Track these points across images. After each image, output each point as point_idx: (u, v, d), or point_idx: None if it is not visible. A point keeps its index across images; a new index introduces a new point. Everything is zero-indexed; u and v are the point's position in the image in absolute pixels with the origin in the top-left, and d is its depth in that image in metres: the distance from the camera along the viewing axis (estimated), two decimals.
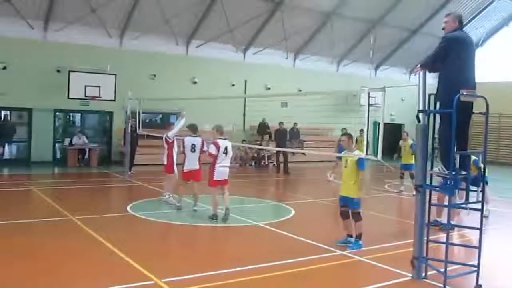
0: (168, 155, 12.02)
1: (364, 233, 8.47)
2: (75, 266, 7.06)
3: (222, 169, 10.11)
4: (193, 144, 11.09)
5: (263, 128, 24.13)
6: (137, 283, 6.30)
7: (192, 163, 11.13)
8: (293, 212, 11.76)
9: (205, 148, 10.97)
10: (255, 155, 23.67)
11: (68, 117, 23.44)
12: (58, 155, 21.57)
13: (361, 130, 16.97)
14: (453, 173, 6.36)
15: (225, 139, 10.28)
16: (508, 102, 27.77)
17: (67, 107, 21.15)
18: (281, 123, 21.98)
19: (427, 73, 6.83)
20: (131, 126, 17.85)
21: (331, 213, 11.89)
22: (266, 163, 23.52)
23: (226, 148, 10.06)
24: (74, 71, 20.01)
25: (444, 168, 6.62)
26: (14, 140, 22.27)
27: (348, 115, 18.85)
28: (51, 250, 7.89)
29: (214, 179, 10.09)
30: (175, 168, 12.06)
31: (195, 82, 23.70)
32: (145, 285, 6.27)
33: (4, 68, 19.48)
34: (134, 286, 6.22)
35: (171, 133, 12.09)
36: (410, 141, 14.93)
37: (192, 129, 11.41)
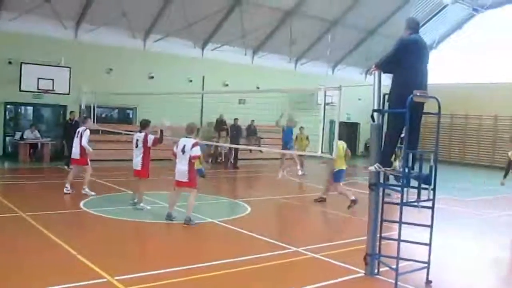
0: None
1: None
2: (25, 265, 6.86)
3: (178, 168, 9.79)
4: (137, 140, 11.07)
5: (220, 124, 24.08)
6: (89, 281, 6.18)
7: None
8: (249, 209, 11.77)
9: (149, 143, 10.92)
10: (212, 152, 23.57)
11: (19, 110, 22.71)
12: (8, 150, 20.91)
13: (301, 128, 17.17)
14: (405, 171, 6.52)
15: (189, 137, 9.89)
16: (460, 103, 28.61)
17: (19, 100, 20.53)
18: (235, 119, 22.04)
19: (382, 73, 6.96)
20: (69, 119, 17.67)
21: (286, 210, 11.98)
22: (223, 159, 23.46)
23: (184, 147, 9.73)
24: (26, 62, 19.44)
25: (380, 166, 6.79)
26: None
27: (306, 113, 19.11)
28: (6, 247, 7.66)
29: (175, 178, 9.94)
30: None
31: (152, 77, 23.39)
32: (98, 283, 6.16)
33: None
34: (86, 284, 6.10)
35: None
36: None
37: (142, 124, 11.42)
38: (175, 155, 9.97)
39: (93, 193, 12.36)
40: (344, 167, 12.60)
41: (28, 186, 14.57)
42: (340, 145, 12.22)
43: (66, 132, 17.20)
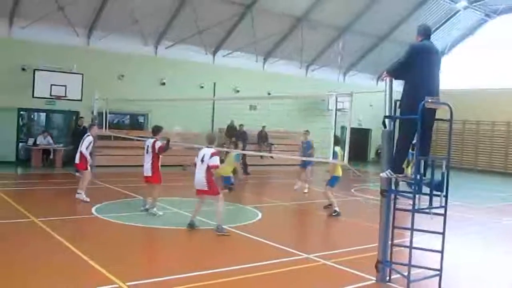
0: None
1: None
2: (37, 270, 6.90)
3: (196, 177, 9.64)
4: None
5: (231, 130, 24.12)
6: (101, 286, 6.20)
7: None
8: (260, 215, 11.76)
9: (156, 150, 10.91)
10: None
11: (32, 116, 22.94)
12: (21, 155, 21.09)
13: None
14: (417, 178, 6.49)
15: (209, 147, 9.75)
16: (472, 109, 28.45)
17: (32, 106, 20.74)
18: (241, 125, 22.08)
19: (394, 80, 6.95)
20: (78, 125, 17.79)
21: (297, 217, 11.96)
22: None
23: (203, 156, 9.60)
24: (39, 69, 19.65)
25: (391, 173, 6.76)
26: None
27: (317, 120, 19.07)
28: (12, 253, 7.69)
29: (195, 187, 9.83)
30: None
31: (164, 83, 23.53)
32: None
33: None
34: None
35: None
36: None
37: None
38: (195, 164, 9.83)
39: (87, 199, 12.20)
40: (340, 174, 12.50)
41: (41, 192, 14.68)
42: (339, 151, 12.10)
43: (75, 138, 17.31)
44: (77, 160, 12.70)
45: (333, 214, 12.09)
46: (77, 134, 17.18)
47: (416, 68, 6.69)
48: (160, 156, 11.15)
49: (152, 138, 11.27)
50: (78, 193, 12.37)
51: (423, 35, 7.01)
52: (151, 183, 11.20)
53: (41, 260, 7.38)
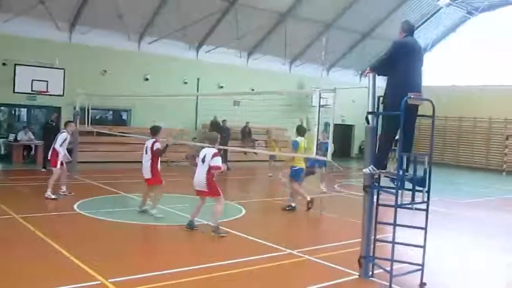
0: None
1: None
2: (19, 267, 6.83)
3: (196, 177, 9.42)
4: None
5: (214, 126, 24.03)
6: (83, 283, 6.16)
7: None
8: (243, 211, 11.76)
9: (155, 147, 10.58)
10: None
11: (13, 111, 22.63)
12: (2, 151, 20.82)
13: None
14: (400, 173, 6.53)
15: (211, 147, 9.56)
16: (454, 106, 28.72)
17: (13, 101, 20.47)
18: (224, 121, 22.12)
19: (377, 76, 6.98)
20: (50, 120, 17.68)
21: (280, 212, 11.96)
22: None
23: (204, 156, 9.39)
24: (20, 64, 19.39)
25: (374, 168, 6.81)
26: None
27: (300, 115, 19.13)
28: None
29: (195, 188, 9.62)
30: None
31: (147, 79, 23.39)
32: (92, 285, 6.13)
33: None
34: (80, 287, 6.07)
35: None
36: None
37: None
38: (196, 165, 9.59)
39: (54, 196, 12.02)
40: (303, 166, 12.14)
41: (22, 188, 14.50)
42: (301, 142, 12.02)
43: (46, 134, 17.11)
44: (49, 156, 12.52)
45: (287, 208, 11.95)
46: (49, 130, 16.95)
47: (399, 64, 6.74)
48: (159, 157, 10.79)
49: (151, 138, 10.84)
50: (46, 192, 12.10)
51: (407, 31, 7.06)
52: (152, 185, 10.81)
53: (23, 257, 7.29)
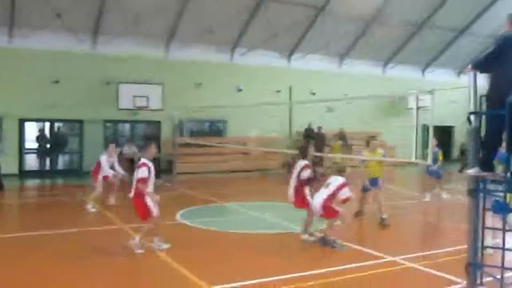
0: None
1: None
2: (128, 277, 7.20)
3: (314, 199, 9.05)
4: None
5: (309, 133, 24.04)
6: None
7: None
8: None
9: (300, 176, 9.34)
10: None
11: (117, 127, 23.98)
12: None
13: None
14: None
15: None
16: None
17: (117, 117, 21.72)
18: (319, 127, 21.95)
19: (478, 74, 6.64)
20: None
21: (376, 219, 11.68)
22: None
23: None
24: (123, 82, 20.56)
25: (479, 170, 6.45)
26: (66, 151, 23.03)
27: (396, 119, 18.72)
28: (104, 259, 8.07)
29: None
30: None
31: (240, 90, 23.86)
32: None
33: (57, 81, 20.22)
34: None
35: None
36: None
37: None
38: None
39: (93, 209, 12.36)
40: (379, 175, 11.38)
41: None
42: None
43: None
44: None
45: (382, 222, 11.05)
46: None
47: (507, 60, 6.35)
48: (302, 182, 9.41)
49: (302, 160, 9.56)
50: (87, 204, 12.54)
51: None
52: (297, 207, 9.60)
53: (135, 267, 7.68)
